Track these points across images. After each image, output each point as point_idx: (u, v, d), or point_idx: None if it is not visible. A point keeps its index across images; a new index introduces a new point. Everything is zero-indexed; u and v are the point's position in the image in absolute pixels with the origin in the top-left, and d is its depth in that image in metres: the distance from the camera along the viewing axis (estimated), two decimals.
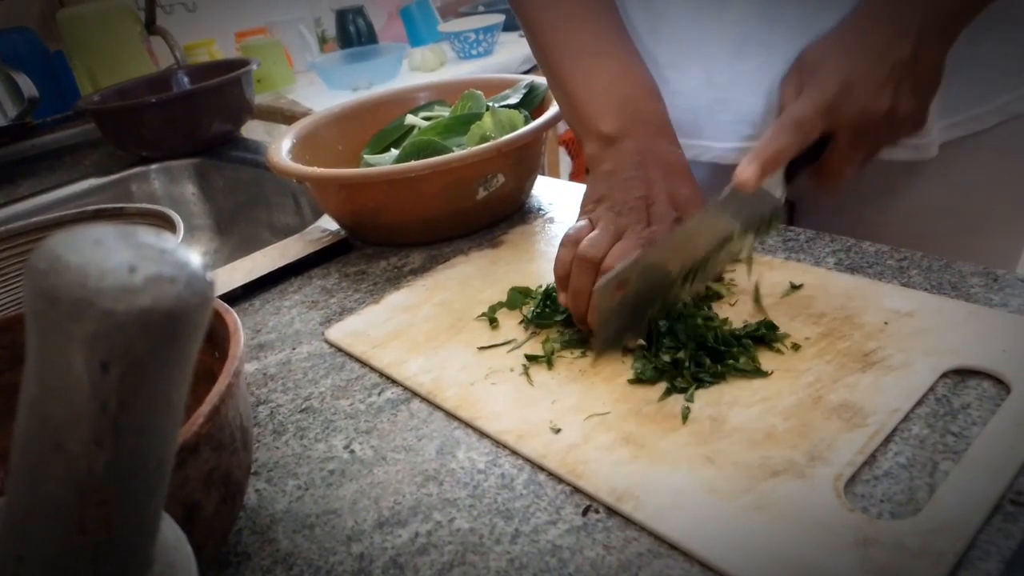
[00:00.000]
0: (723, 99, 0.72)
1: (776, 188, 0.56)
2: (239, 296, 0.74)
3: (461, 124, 0.84)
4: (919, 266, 0.59)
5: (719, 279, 0.61)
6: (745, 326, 0.54)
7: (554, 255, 0.59)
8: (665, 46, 0.74)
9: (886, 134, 0.57)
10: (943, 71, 0.58)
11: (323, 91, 2.20)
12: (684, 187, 0.60)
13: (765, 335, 0.52)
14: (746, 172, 0.53)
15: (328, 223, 0.85)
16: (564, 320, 0.59)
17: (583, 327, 0.57)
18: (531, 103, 0.87)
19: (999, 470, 0.39)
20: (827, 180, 0.58)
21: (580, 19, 0.67)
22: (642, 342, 0.54)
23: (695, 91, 0.74)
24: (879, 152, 0.59)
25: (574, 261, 0.56)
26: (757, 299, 0.57)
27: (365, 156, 0.90)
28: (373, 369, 0.59)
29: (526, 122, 0.80)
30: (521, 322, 0.61)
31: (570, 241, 0.58)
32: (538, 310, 0.60)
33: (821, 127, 0.55)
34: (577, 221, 0.60)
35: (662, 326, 0.54)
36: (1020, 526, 0.37)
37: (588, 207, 0.61)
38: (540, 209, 0.83)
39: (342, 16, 2.45)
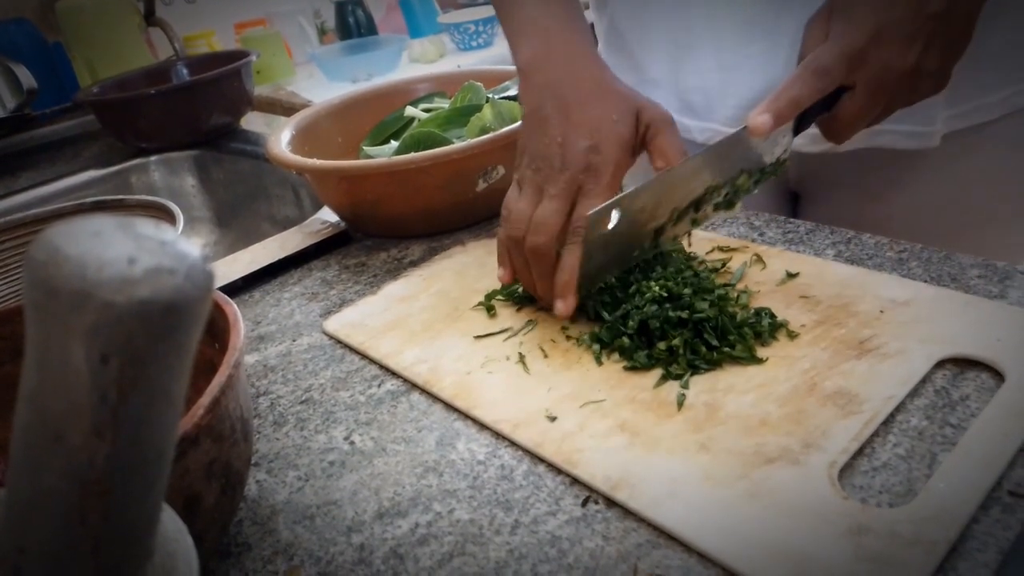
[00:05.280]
0: (732, 82, 0.73)
1: (783, 136, 0.54)
2: (239, 288, 0.74)
3: (461, 116, 0.84)
4: (919, 258, 0.59)
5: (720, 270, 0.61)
6: (744, 310, 0.54)
7: None
8: (680, 30, 0.75)
9: (906, 92, 0.54)
10: (974, 30, 0.55)
11: (323, 83, 2.20)
12: (594, 107, 0.55)
13: (768, 325, 0.52)
14: (759, 118, 0.51)
15: (328, 215, 0.85)
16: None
17: (539, 299, 0.59)
18: None
19: (993, 458, 0.40)
20: (837, 133, 0.57)
21: None
22: (607, 316, 0.55)
23: (707, 74, 0.75)
24: (892, 112, 0.56)
25: (507, 240, 0.57)
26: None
27: (365, 148, 0.90)
28: (372, 360, 0.59)
29: None
30: (519, 309, 0.61)
31: (503, 217, 0.57)
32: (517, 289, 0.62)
33: (842, 77, 0.52)
34: (512, 185, 0.59)
35: (659, 315, 0.54)
36: (1018, 517, 0.37)
37: (516, 163, 0.58)
38: None
39: (341, 7, 2.44)
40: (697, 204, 0.57)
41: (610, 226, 0.52)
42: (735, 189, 0.58)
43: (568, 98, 0.55)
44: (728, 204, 0.59)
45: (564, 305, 0.54)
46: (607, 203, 0.51)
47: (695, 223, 0.59)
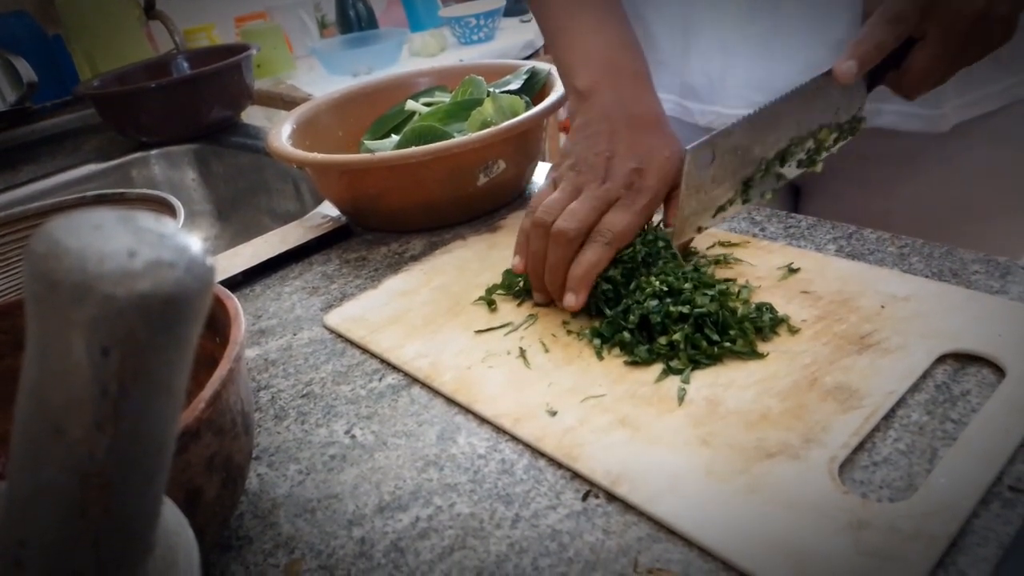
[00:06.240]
0: (734, 63, 0.74)
1: (858, 90, 0.56)
2: (240, 282, 0.74)
3: (462, 110, 0.84)
4: (920, 253, 0.59)
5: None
6: (745, 305, 0.54)
7: None
8: (684, 10, 0.75)
9: (977, 41, 0.55)
10: None
11: (323, 76, 2.20)
12: (649, 137, 0.59)
13: (769, 320, 0.52)
14: (845, 64, 0.52)
15: (328, 209, 0.85)
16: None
17: (539, 291, 0.59)
18: (532, 89, 0.87)
19: (993, 454, 0.39)
20: (911, 87, 0.57)
21: None
22: (607, 310, 0.55)
23: (710, 55, 0.75)
24: (963, 66, 0.57)
25: (531, 226, 0.57)
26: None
27: (365, 142, 0.90)
28: (373, 355, 0.59)
29: (527, 108, 0.80)
30: (519, 304, 0.61)
31: (531, 209, 0.59)
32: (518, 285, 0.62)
33: (915, 23, 0.53)
34: (544, 181, 0.61)
35: (660, 309, 0.53)
36: (1018, 512, 0.37)
37: (556, 164, 0.61)
38: None
39: (342, 1, 2.44)
40: (782, 158, 0.58)
41: (709, 170, 0.54)
42: (817, 145, 0.59)
43: (625, 122, 0.59)
44: (810, 161, 0.60)
45: (575, 299, 0.56)
46: (705, 139, 0.53)
47: (780, 178, 0.60)
